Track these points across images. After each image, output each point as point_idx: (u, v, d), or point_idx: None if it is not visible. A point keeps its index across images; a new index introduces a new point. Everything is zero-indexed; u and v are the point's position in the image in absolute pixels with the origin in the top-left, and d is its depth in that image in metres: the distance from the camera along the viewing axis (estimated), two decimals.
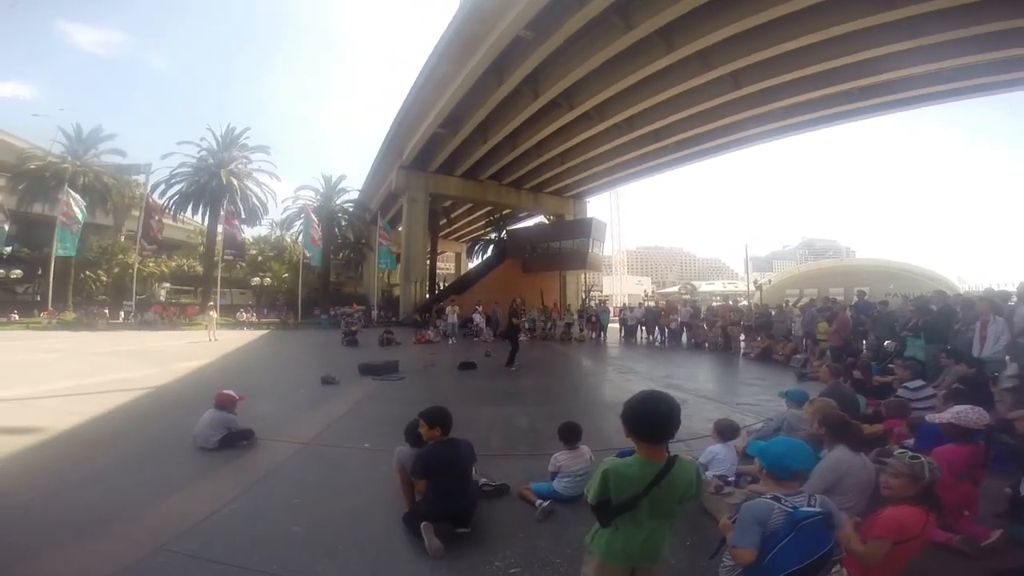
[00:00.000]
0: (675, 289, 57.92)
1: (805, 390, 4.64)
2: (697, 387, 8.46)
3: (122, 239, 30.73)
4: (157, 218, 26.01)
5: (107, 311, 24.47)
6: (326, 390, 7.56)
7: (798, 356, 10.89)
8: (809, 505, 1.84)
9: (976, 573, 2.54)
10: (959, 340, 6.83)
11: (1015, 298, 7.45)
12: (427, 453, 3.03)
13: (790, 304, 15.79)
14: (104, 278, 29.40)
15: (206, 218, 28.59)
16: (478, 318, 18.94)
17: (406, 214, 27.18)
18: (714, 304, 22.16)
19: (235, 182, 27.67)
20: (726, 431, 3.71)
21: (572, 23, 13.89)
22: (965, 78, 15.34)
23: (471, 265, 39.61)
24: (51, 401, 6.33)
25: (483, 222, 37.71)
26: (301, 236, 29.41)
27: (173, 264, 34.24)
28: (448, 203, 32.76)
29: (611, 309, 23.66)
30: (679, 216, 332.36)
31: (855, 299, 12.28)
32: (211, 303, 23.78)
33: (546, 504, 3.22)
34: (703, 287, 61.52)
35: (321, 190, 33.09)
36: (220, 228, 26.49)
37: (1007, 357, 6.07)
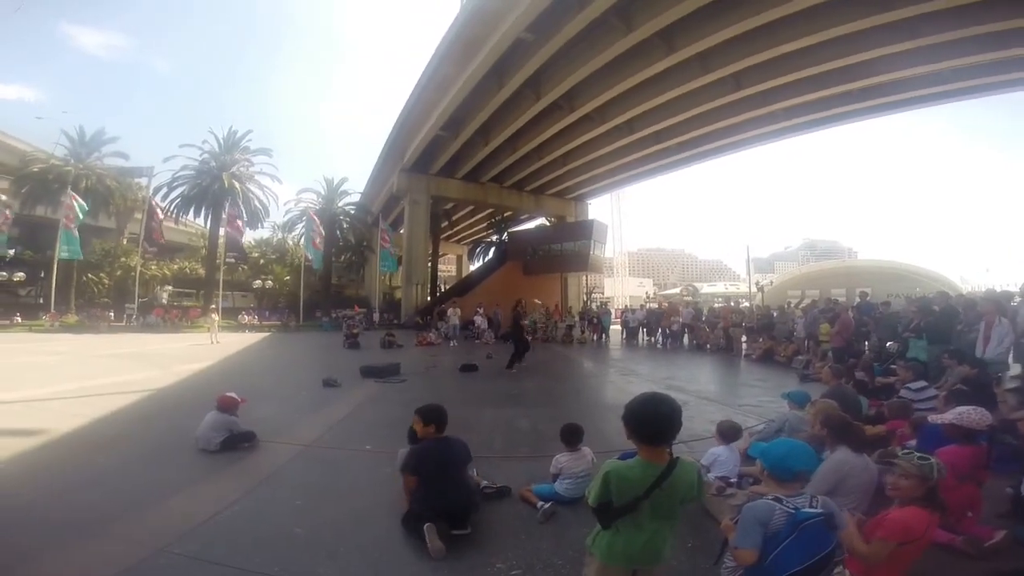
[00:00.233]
0: (677, 291, 57.67)
1: (807, 391, 4.62)
2: (699, 389, 8.46)
3: (124, 242, 30.89)
4: (159, 220, 26.08)
5: (109, 314, 24.49)
6: (328, 392, 7.56)
7: (800, 357, 10.89)
8: (811, 506, 1.84)
9: (980, 574, 2.53)
10: (961, 341, 6.81)
11: (1018, 298, 7.43)
12: (419, 449, 3.05)
13: (792, 305, 15.79)
14: (106, 281, 29.55)
15: (208, 221, 28.63)
16: (479, 320, 18.98)
17: (408, 216, 27.23)
18: (716, 306, 22.12)
19: (237, 185, 27.68)
20: (728, 433, 3.72)
21: (573, 25, 13.90)
22: (965, 78, 15.32)
23: (472, 267, 39.57)
24: (54, 403, 6.34)
25: (484, 224, 37.74)
26: (303, 239, 29.41)
27: (175, 267, 34.33)
28: (450, 205, 32.80)
29: (612, 311, 23.65)
30: (681, 218, 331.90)
31: (857, 300, 12.29)
32: (213, 306, 23.86)
33: (547, 506, 3.22)
34: (705, 289, 61.28)
35: (323, 192, 33.27)
36: (222, 231, 26.49)
37: (1009, 359, 6.05)
